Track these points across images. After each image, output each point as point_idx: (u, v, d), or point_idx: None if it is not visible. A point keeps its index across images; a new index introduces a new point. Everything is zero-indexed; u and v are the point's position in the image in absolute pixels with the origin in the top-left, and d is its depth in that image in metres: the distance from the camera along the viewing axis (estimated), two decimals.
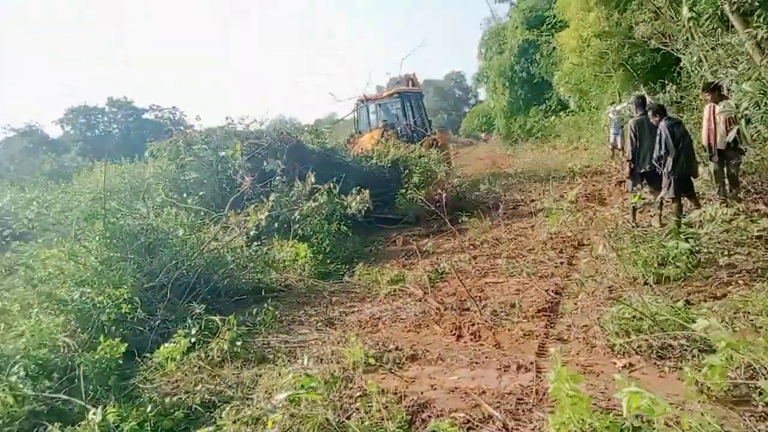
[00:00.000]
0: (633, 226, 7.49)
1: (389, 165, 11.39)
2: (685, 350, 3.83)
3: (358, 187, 8.39)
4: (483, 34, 33.22)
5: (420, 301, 5.99)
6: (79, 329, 5.02)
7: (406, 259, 7.99)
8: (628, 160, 7.82)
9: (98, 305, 5.12)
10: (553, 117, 23.58)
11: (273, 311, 5.83)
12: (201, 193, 8.93)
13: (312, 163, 9.46)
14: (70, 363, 4.38)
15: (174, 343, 4.76)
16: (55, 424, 3.67)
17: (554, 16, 20.02)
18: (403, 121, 15.28)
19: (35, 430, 3.81)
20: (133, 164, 14.77)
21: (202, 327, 5.21)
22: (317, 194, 7.90)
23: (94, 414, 3.64)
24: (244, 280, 6.85)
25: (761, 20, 7.63)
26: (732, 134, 6.71)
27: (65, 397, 3.97)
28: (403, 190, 10.62)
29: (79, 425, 3.66)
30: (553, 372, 3.12)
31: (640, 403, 2.65)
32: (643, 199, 7.99)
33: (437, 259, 7.37)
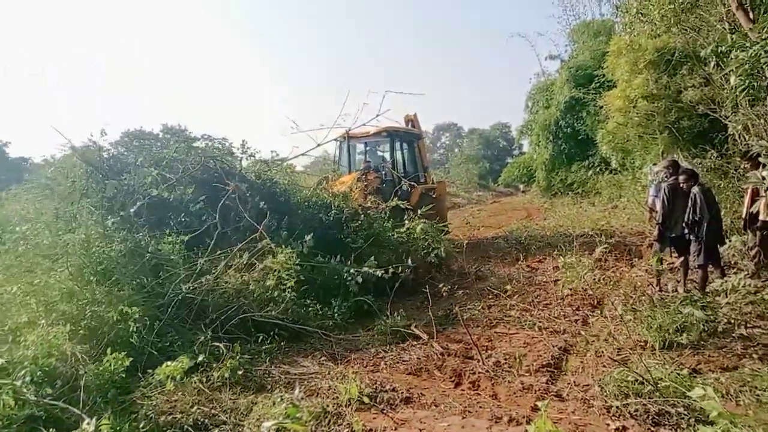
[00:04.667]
0: (657, 290, 7.29)
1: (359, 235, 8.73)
2: (682, 418, 3.69)
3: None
4: (531, 88, 33.48)
5: (425, 344, 5.96)
6: (86, 340, 5.17)
7: (419, 302, 7.93)
8: (658, 223, 7.68)
9: (107, 321, 5.28)
10: (594, 173, 23.30)
11: (278, 341, 5.89)
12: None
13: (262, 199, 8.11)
14: (75, 372, 4.53)
15: (177, 363, 4.85)
16: (51, 430, 3.80)
17: (603, 75, 20.01)
18: (388, 164, 13.11)
19: None
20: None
21: (207, 353, 5.30)
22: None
23: (87, 424, 3.76)
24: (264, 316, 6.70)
25: None
26: (756, 206, 6.56)
27: (64, 405, 4.09)
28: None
29: None
30: (533, 426, 3.08)
31: None
32: (667, 263, 7.80)
33: (451, 304, 7.31)
